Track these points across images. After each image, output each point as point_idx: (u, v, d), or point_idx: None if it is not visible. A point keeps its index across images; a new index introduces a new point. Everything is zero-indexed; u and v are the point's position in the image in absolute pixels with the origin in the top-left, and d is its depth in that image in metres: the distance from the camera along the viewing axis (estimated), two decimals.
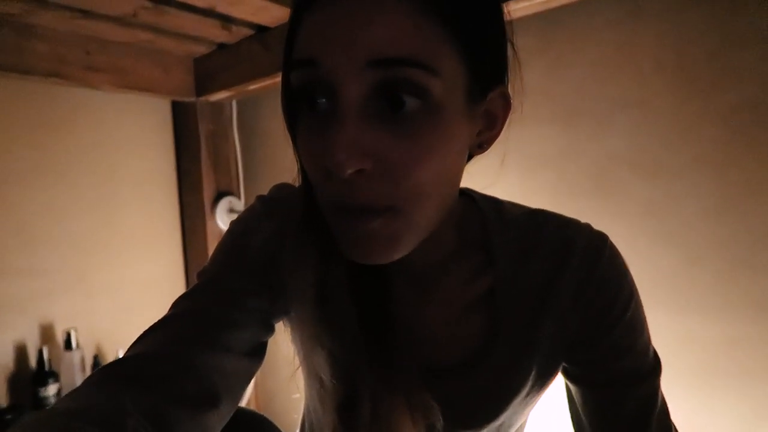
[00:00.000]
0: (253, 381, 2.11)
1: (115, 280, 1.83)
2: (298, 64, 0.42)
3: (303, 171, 0.48)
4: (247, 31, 1.65)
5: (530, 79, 1.32)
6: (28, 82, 1.54)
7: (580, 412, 0.58)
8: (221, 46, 1.78)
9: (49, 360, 1.56)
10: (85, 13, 1.41)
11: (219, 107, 2.01)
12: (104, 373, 0.41)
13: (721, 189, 1.10)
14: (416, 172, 0.41)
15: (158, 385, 0.41)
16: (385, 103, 0.40)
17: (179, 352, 0.44)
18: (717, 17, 1.08)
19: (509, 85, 0.49)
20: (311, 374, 0.58)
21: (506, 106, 0.48)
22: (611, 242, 0.55)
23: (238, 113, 2.05)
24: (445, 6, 0.39)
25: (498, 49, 0.46)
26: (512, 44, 0.49)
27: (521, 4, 1.13)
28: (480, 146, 0.48)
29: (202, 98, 1.90)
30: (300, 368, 0.60)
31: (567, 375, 0.59)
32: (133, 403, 0.38)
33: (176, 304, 0.50)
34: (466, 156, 0.48)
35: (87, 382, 0.41)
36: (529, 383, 0.57)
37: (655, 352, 0.57)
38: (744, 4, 1.05)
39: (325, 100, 0.42)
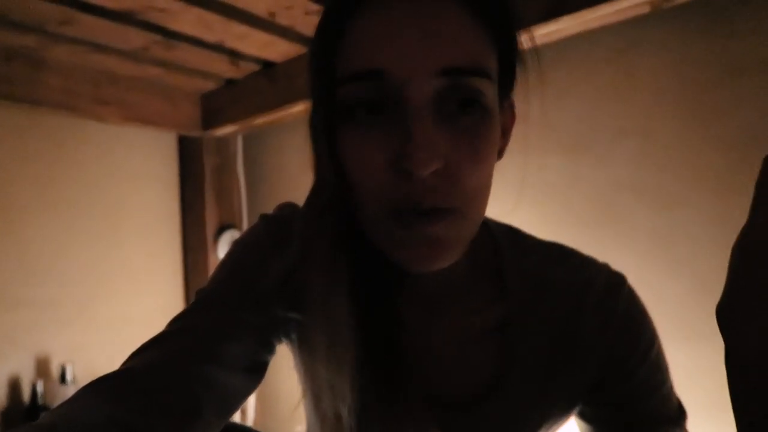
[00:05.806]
0: (253, 417, 2.02)
1: (115, 314, 1.80)
2: (358, 76, 0.40)
3: (334, 186, 0.45)
4: (254, 67, 1.69)
5: (533, 110, 1.34)
6: (36, 114, 1.57)
7: None
8: (229, 82, 1.81)
9: (44, 394, 1.52)
10: (98, 47, 1.45)
11: (225, 141, 2.03)
12: (90, 388, 0.40)
13: (727, 215, 1.09)
14: (476, 173, 0.42)
15: (142, 397, 0.40)
16: (449, 107, 0.41)
17: (167, 365, 0.43)
18: (717, 46, 1.10)
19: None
20: (312, 401, 0.56)
21: (513, 116, 0.50)
22: (629, 282, 0.54)
23: (244, 147, 2.07)
24: (491, 12, 0.42)
25: (513, 58, 0.47)
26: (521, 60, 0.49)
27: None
28: (499, 154, 0.48)
29: (208, 132, 1.92)
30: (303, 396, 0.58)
31: (584, 417, 0.56)
32: (114, 417, 0.37)
33: (171, 322, 0.49)
34: None
35: (73, 397, 0.40)
36: (544, 426, 0.53)
37: (679, 402, 0.54)
38: (744, 34, 1.07)
39: (385, 107, 0.41)
